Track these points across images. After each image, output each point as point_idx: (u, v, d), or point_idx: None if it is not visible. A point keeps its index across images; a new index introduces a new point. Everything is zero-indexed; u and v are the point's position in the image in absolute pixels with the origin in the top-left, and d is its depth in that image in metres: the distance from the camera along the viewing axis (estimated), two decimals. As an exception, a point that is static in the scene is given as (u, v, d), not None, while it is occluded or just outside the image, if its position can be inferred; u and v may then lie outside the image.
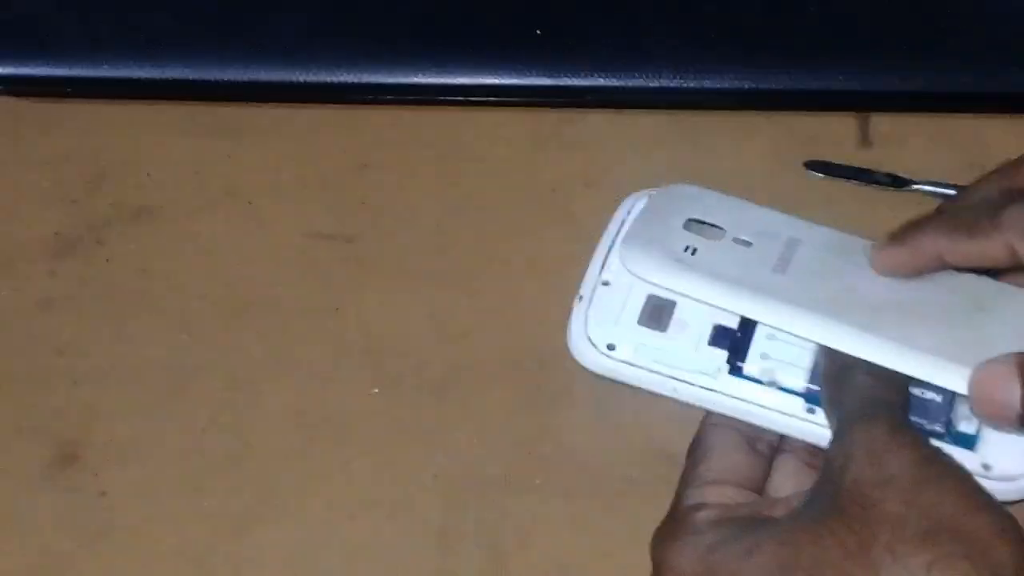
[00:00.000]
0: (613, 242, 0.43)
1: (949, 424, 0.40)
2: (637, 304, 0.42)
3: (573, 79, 0.49)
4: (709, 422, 0.42)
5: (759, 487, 0.41)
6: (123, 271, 0.49)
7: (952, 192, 0.48)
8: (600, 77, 0.49)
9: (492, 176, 0.50)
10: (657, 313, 0.42)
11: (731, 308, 0.41)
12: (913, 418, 0.40)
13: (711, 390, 0.41)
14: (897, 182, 0.49)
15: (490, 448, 0.46)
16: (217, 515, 0.45)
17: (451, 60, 0.49)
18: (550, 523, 0.45)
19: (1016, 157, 0.43)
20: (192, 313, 0.48)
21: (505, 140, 0.50)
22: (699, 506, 0.39)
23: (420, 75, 0.49)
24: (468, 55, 0.49)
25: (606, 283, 0.43)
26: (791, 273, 0.42)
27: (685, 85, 0.49)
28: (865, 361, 0.39)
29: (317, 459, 0.46)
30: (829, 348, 0.40)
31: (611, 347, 0.42)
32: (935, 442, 0.39)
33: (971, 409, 0.39)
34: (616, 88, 0.49)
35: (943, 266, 0.42)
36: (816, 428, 0.40)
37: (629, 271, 0.42)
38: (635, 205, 0.44)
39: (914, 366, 0.39)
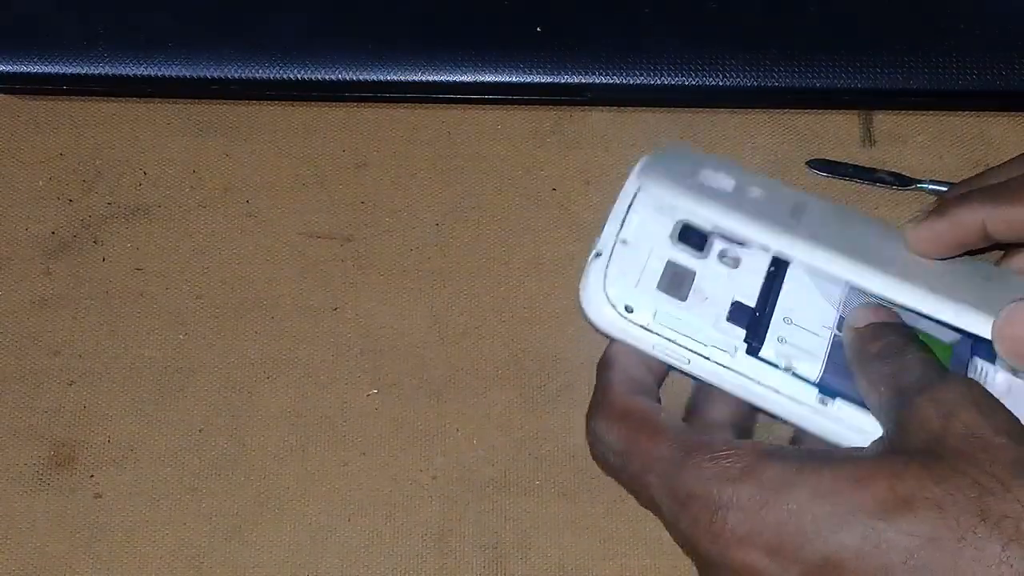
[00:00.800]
0: (632, 201, 0.42)
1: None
2: (657, 268, 0.41)
3: (573, 77, 0.48)
4: (614, 395, 0.40)
5: None
6: (119, 270, 0.49)
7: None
8: (600, 75, 0.48)
9: (492, 175, 0.49)
10: (677, 280, 0.41)
11: (760, 238, 0.41)
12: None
13: (726, 367, 0.40)
14: (900, 181, 0.48)
15: (489, 449, 0.46)
16: (214, 516, 0.45)
17: (450, 58, 0.49)
18: (550, 524, 0.45)
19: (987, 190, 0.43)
20: (189, 313, 0.48)
21: (505, 138, 0.50)
22: (720, 442, 0.38)
23: (419, 73, 0.49)
24: (468, 53, 0.49)
25: (625, 241, 0.41)
26: (805, 221, 0.42)
27: (686, 83, 0.48)
28: (915, 341, 0.39)
29: (315, 460, 0.46)
30: (868, 329, 0.40)
31: (629, 309, 0.41)
32: None
33: (998, 352, 0.38)
34: (616, 86, 0.49)
35: (984, 239, 0.42)
36: (825, 421, 0.40)
37: (649, 191, 0.41)
38: (650, 161, 0.43)
39: (951, 314, 0.39)
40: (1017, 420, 0.36)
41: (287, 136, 0.51)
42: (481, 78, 0.49)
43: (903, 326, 0.40)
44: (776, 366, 0.40)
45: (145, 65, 0.50)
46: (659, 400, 0.41)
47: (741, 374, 0.40)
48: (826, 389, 0.40)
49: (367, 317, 0.48)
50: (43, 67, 0.50)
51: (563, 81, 0.49)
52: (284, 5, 0.51)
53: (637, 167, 0.43)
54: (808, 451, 0.37)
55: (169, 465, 0.46)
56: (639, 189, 0.42)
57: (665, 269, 0.41)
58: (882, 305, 0.41)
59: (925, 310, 0.40)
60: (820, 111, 0.50)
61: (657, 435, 0.38)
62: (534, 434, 0.46)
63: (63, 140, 0.51)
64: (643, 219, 0.41)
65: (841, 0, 0.49)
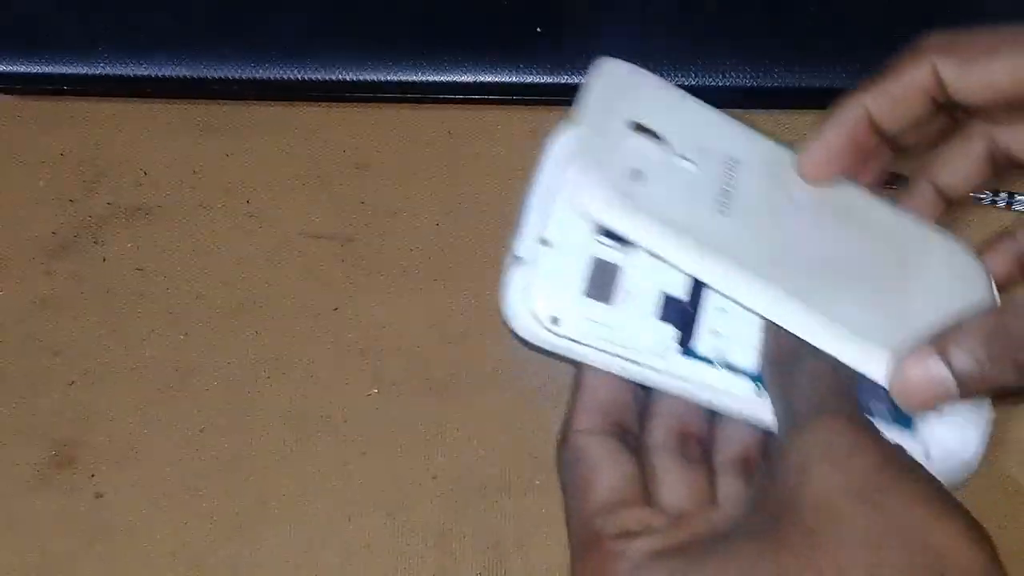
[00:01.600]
0: (544, 186, 0.40)
1: (893, 402, 0.39)
2: (581, 269, 0.39)
3: (573, 77, 0.49)
4: (576, 428, 0.39)
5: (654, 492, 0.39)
6: (120, 270, 0.49)
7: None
8: (600, 75, 0.48)
9: (492, 175, 0.50)
10: (603, 280, 0.39)
11: (674, 262, 0.38)
12: (861, 397, 0.38)
13: (660, 371, 0.39)
14: (899, 180, 0.48)
15: (490, 448, 0.46)
16: (215, 516, 0.45)
17: (451, 58, 0.49)
18: (550, 523, 0.45)
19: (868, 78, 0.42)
20: (190, 313, 0.48)
21: (505, 139, 0.50)
22: (624, 535, 0.37)
23: (419, 73, 0.49)
24: (468, 53, 0.49)
25: (545, 242, 0.39)
26: (734, 214, 0.40)
27: (686, 83, 0.48)
28: (816, 350, 0.38)
29: (315, 460, 0.46)
30: (775, 330, 0.38)
31: (555, 320, 0.38)
32: (882, 424, 0.38)
33: (897, 399, 0.38)
34: (616, 86, 0.49)
35: (870, 136, 0.41)
36: (767, 413, 0.39)
37: (576, 203, 0.38)
38: (565, 145, 0.41)
39: (839, 349, 0.38)
40: (882, 464, 0.34)
41: (288, 136, 0.51)
42: (481, 78, 0.49)
43: None
44: (711, 362, 0.39)
45: (146, 65, 0.50)
46: (633, 421, 0.41)
47: (676, 376, 0.39)
48: (762, 380, 0.39)
49: (367, 317, 0.48)
50: (44, 68, 0.51)
51: (563, 81, 0.49)
52: (285, 6, 0.51)
53: (554, 149, 0.40)
54: (697, 543, 0.36)
55: (170, 465, 0.46)
56: (560, 183, 0.40)
57: (589, 270, 0.39)
58: None
59: (825, 347, 0.38)
60: (819, 111, 0.50)
61: (581, 500, 0.38)
62: (534, 434, 0.46)
63: (64, 140, 0.51)
64: (565, 214, 0.39)
65: (841, 0, 0.50)
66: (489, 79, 0.49)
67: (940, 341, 0.37)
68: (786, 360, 0.38)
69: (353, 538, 0.45)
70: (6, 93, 0.52)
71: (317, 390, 0.47)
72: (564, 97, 0.49)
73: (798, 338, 0.38)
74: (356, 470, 0.46)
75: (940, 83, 0.40)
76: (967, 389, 0.37)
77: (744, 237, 0.39)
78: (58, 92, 0.52)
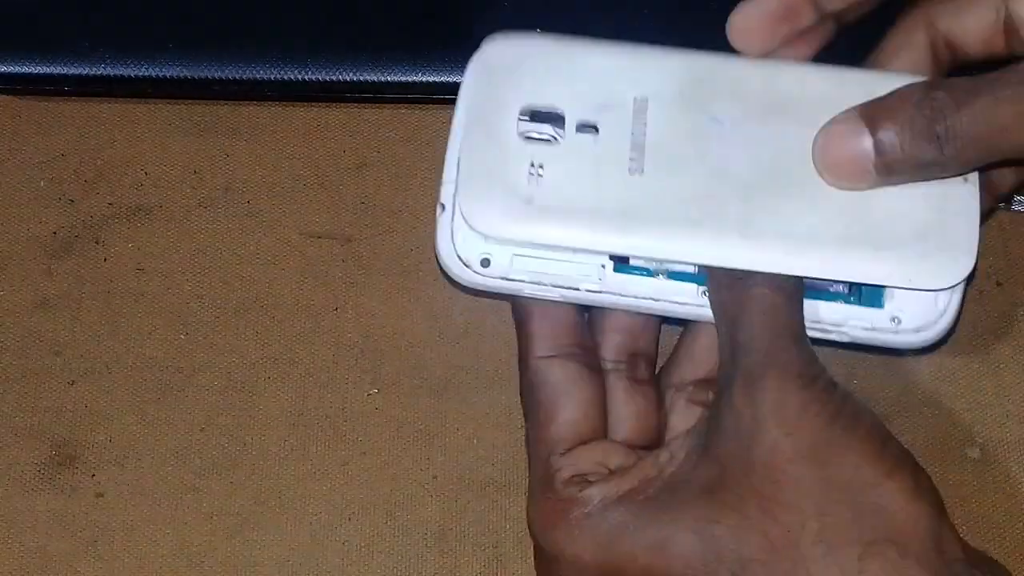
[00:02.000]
0: (461, 135, 0.40)
1: (851, 284, 0.39)
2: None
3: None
4: (536, 355, 0.39)
5: (625, 427, 0.39)
6: (120, 270, 0.49)
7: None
8: (600, 76, 0.49)
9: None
10: None
11: (597, 250, 0.38)
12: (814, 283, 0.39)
13: (599, 292, 0.39)
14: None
15: (490, 448, 0.46)
16: (215, 515, 0.45)
17: (451, 59, 0.49)
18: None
19: None
20: (190, 313, 0.48)
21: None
22: (578, 479, 0.37)
23: (419, 74, 0.49)
24: (468, 54, 0.49)
25: None
26: (648, 168, 0.39)
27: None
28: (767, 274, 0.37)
29: (315, 459, 0.46)
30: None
31: (485, 263, 0.39)
32: (841, 305, 0.38)
33: (825, 177, 0.37)
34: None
35: (811, 6, 0.40)
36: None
37: (475, 230, 0.39)
38: (485, 55, 0.41)
39: (803, 266, 0.37)
40: (829, 421, 0.35)
41: (288, 136, 0.51)
42: (481, 79, 0.49)
43: None
44: (650, 272, 0.39)
45: (146, 66, 0.50)
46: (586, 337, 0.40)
47: (615, 293, 0.39)
48: (705, 279, 0.39)
49: (367, 317, 0.48)
50: (45, 68, 0.51)
51: (563, 82, 0.49)
52: (285, 7, 0.51)
53: (468, 93, 0.41)
54: (654, 497, 0.36)
55: (170, 464, 0.46)
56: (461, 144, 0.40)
57: None
58: None
59: (788, 270, 0.37)
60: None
61: (541, 429, 0.38)
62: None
63: (64, 141, 0.51)
64: None
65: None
66: (489, 79, 0.49)
67: (869, 112, 0.36)
68: (731, 284, 0.37)
69: (353, 538, 0.45)
70: (6, 93, 0.52)
71: (317, 390, 0.47)
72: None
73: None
74: (356, 470, 0.46)
75: None
76: (889, 168, 0.36)
77: (662, 192, 0.38)
78: (59, 92, 0.52)
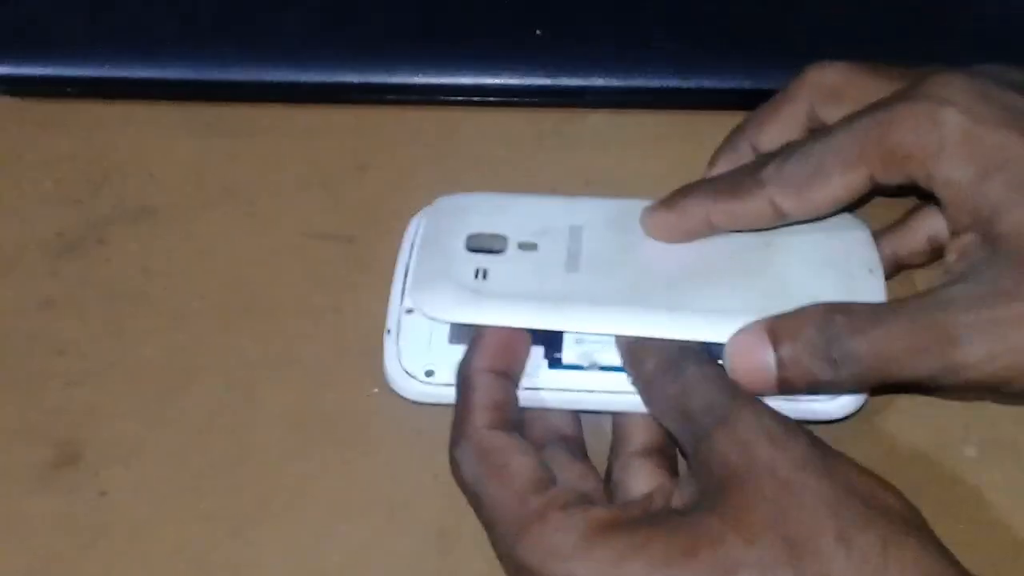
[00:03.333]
0: (408, 268, 0.44)
1: None
2: (443, 324, 0.43)
3: (573, 79, 0.49)
4: (476, 426, 0.40)
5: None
6: (124, 271, 0.49)
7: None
8: (600, 77, 0.49)
9: (492, 176, 0.50)
10: (464, 327, 0.42)
11: (536, 326, 0.41)
12: None
13: (537, 389, 0.41)
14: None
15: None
16: (217, 515, 0.45)
17: (451, 60, 0.49)
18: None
19: (755, 111, 0.44)
20: (193, 313, 0.48)
21: (505, 140, 0.50)
22: (573, 504, 0.37)
23: (420, 75, 0.49)
24: (468, 55, 0.49)
25: (409, 311, 0.43)
26: (584, 268, 0.42)
27: (685, 85, 0.49)
28: (692, 353, 0.39)
29: (316, 459, 0.46)
30: (645, 349, 0.40)
31: (429, 373, 0.42)
32: None
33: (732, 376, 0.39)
34: (616, 88, 0.49)
35: (713, 230, 0.42)
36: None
37: (427, 316, 0.42)
38: (420, 226, 0.45)
39: (716, 333, 0.39)
40: (813, 443, 0.36)
41: (290, 138, 0.51)
42: (482, 80, 0.49)
43: None
44: (581, 367, 0.41)
45: (151, 68, 0.51)
46: (521, 421, 0.42)
47: (551, 389, 0.41)
48: None
49: (369, 317, 0.48)
50: (50, 70, 0.51)
51: (563, 83, 0.49)
52: (288, 9, 0.51)
53: (408, 230, 0.45)
54: (644, 517, 0.36)
55: (172, 464, 0.46)
56: (407, 272, 0.44)
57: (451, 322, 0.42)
58: None
59: (706, 338, 0.39)
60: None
61: (504, 487, 0.38)
62: None
63: (70, 142, 0.52)
64: None
65: (839, 2, 0.50)
66: (489, 81, 0.49)
67: (774, 328, 0.38)
68: (659, 372, 0.39)
69: (354, 537, 0.45)
70: (13, 95, 0.52)
71: (319, 390, 0.47)
72: (564, 98, 0.50)
73: (672, 349, 0.39)
74: (357, 470, 0.46)
75: (781, 213, 0.41)
76: (787, 383, 0.38)
77: (597, 280, 0.41)
78: (64, 94, 0.52)
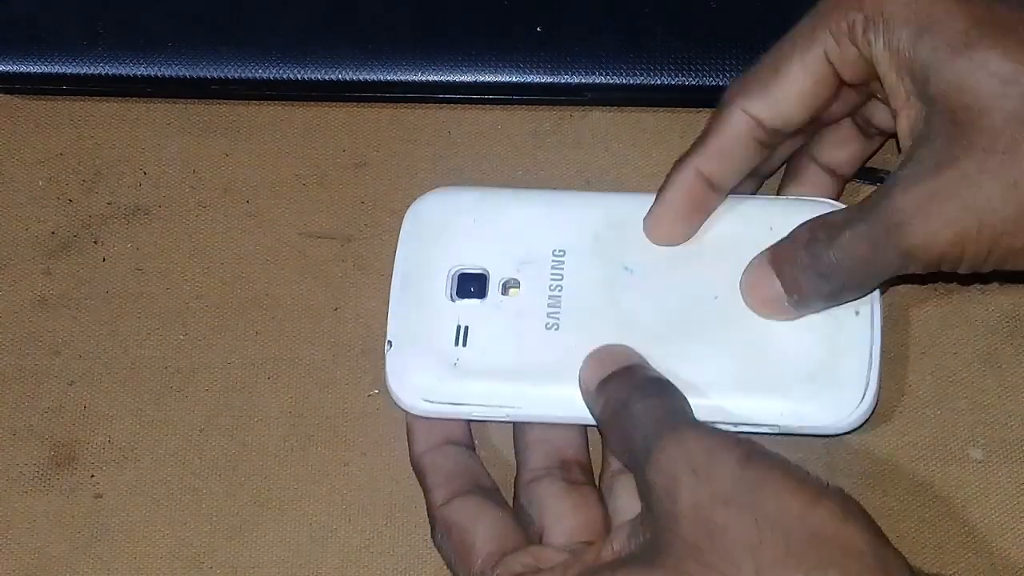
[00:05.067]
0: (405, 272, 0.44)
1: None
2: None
3: (573, 77, 0.49)
4: (437, 505, 0.41)
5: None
6: (119, 270, 0.49)
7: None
8: (600, 75, 0.49)
9: (491, 175, 0.49)
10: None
11: (518, 418, 0.42)
12: None
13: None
14: (874, 174, 0.48)
15: (490, 448, 0.45)
16: (215, 516, 0.45)
17: (450, 58, 0.49)
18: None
19: None
20: (189, 313, 0.48)
21: (505, 138, 0.50)
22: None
23: (419, 73, 0.49)
24: (467, 53, 0.49)
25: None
26: (564, 323, 0.42)
27: (686, 83, 0.48)
28: (642, 383, 0.39)
29: (315, 460, 0.46)
30: (589, 389, 0.40)
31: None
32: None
33: (757, 314, 0.41)
34: (616, 86, 0.49)
35: (712, 189, 0.42)
36: None
37: (404, 406, 0.42)
38: (418, 214, 0.45)
39: (702, 412, 0.39)
40: (742, 461, 0.35)
41: (287, 136, 0.51)
42: (481, 78, 0.49)
43: (629, 369, 0.40)
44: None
45: (145, 65, 0.50)
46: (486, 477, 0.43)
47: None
48: None
49: (367, 317, 0.48)
50: (43, 67, 0.50)
51: (563, 81, 0.49)
52: (284, 6, 0.51)
53: (407, 228, 0.44)
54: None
55: (170, 465, 0.46)
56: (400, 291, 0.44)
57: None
58: (612, 348, 0.41)
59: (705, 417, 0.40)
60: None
61: (468, 561, 0.39)
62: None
63: (63, 140, 0.51)
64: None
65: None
66: (489, 79, 0.49)
67: (773, 258, 0.40)
68: (614, 414, 0.39)
69: (353, 538, 0.45)
70: (5, 92, 0.52)
71: (317, 390, 0.47)
72: (564, 97, 0.49)
73: (619, 379, 0.40)
74: (356, 470, 0.46)
75: (758, 123, 0.41)
76: (801, 302, 0.40)
77: (575, 347, 0.41)
78: (57, 92, 0.52)
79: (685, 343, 0.41)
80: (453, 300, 0.43)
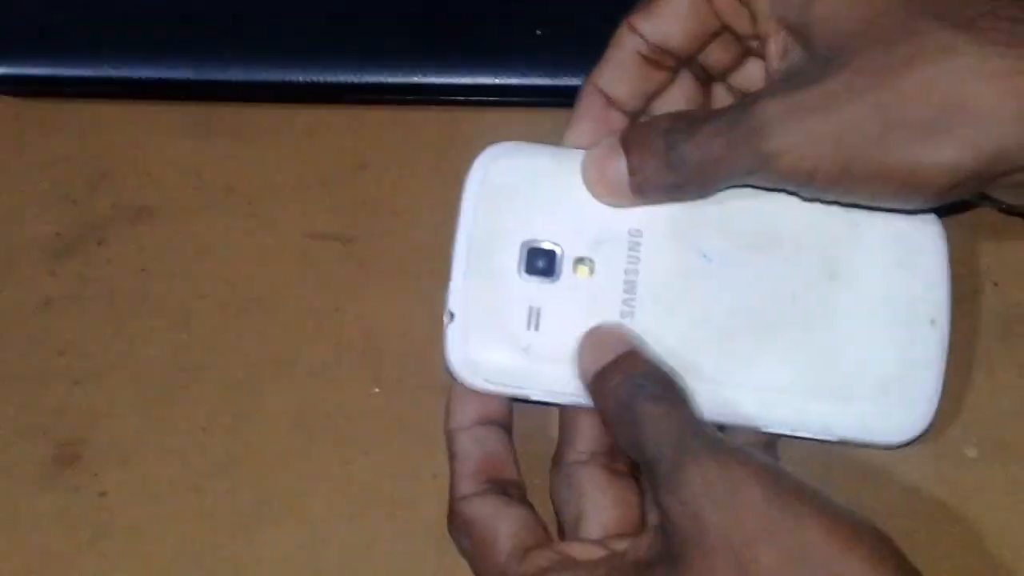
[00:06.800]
0: (472, 234, 0.41)
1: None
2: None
3: (573, 79, 0.49)
4: (458, 498, 0.41)
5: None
6: (123, 271, 0.49)
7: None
8: (600, 77, 0.49)
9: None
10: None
11: (579, 405, 0.41)
12: None
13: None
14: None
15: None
16: (217, 514, 0.45)
17: (451, 61, 0.49)
18: (550, 524, 0.45)
19: None
20: (192, 313, 0.48)
21: (505, 140, 0.50)
22: (544, 571, 0.37)
23: (420, 75, 0.49)
24: (468, 55, 0.49)
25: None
26: (638, 310, 0.40)
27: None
28: (645, 390, 0.38)
29: (317, 459, 0.46)
30: (591, 379, 0.39)
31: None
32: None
33: (592, 193, 0.41)
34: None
35: (618, 112, 0.42)
36: None
37: (474, 386, 0.41)
38: (488, 173, 0.42)
39: (770, 420, 0.39)
40: (768, 495, 0.34)
41: (289, 138, 0.51)
42: (481, 80, 0.49)
43: (631, 356, 0.39)
44: None
45: (150, 68, 0.50)
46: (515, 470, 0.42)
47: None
48: None
49: (369, 317, 0.48)
50: (48, 70, 0.51)
51: (563, 83, 0.49)
52: (287, 9, 0.51)
53: (468, 193, 0.42)
54: None
55: (173, 464, 0.46)
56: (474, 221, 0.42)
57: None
58: (608, 331, 0.40)
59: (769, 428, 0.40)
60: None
61: (487, 561, 0.39)
62: (532, 433, 0.46)
63: (68, 142, 0.52)
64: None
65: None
66: (489, 81, 0.49)
67: (625, 138, 0.40)
68: (613, 407, 0.38)
69: (355, 536, 0.45)
70: (9, 95, 0.52)
71: (319, 390, 0.47)
72: (564, 99, 0.49)
73: (621, 370, 0.39)
74: (358, 469, 0.46)
75: (642, 38, 0.42)
76: (640, 189, 0.39)
77: (649, 336, 0.40)
78: (61, 94, 0.52)
79: (757, 342, 0.40)
80: (523, 277, 0.41)
